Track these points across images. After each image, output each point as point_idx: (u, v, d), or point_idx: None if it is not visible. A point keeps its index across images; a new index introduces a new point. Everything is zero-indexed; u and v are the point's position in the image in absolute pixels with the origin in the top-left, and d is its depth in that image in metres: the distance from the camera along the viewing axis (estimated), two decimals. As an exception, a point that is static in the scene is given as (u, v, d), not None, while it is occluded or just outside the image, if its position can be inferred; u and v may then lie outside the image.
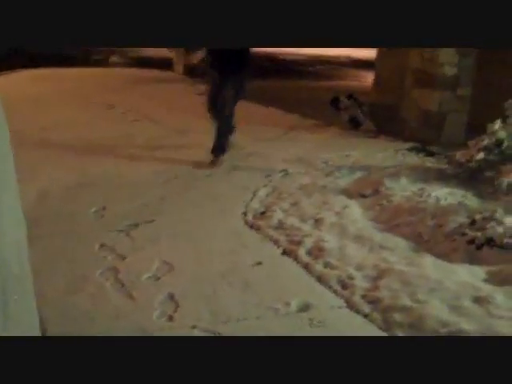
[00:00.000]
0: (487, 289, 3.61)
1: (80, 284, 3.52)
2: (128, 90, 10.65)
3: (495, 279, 3.74)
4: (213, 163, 6.18)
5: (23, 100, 8.74)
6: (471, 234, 4.22)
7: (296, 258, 4.03)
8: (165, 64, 14.28)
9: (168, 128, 7.79)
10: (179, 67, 13.43)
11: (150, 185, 5.45)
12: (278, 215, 4.76)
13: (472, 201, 4.97)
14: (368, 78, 12.56)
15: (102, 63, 13.29)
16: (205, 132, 7.75)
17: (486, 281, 3.74)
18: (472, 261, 4.01)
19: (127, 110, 8.70)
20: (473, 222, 4.35)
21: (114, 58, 15.80)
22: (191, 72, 13.01)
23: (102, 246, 4.08)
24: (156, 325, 3.15)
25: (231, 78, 5.97)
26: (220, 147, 6.26)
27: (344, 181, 5.75)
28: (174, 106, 9.41)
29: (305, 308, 3.41)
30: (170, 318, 3.22)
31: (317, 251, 4.10)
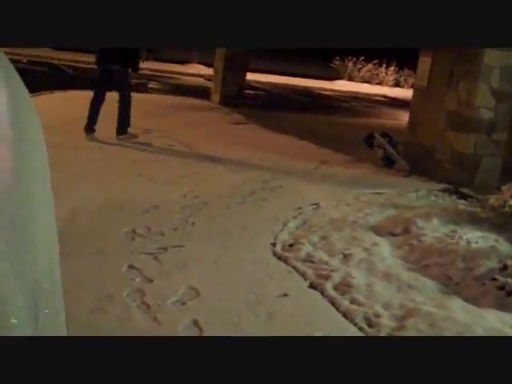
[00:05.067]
0: (516, 336, 3.55)
1: (106, 304, 3.53)
2: (166, 115, 10.80)
3: (525, 327, 3.67)
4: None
5: (61, 119, 8.89)
6: (502, 279, 4.15)
7: (323, 292, 4.01)
8: (201, 92, 14.48)
9: (201, 155, 7.85)
10: (216, 96, 13.60)
11: (181, 210, 5.48)
12: (307, 248, 4.75)
13: (504, 246, 4.90)
14: (403, 116, 12.58)
15: (141, 89, 13.48)
16: (237, 159, 7.81)
17: (515, 328, 3.68)
18: (501, 307, 3.95)
19: (163, 135, 8.81)
20: (504, 268, 4.29)
21: (153, 85, 16.07)
22: (227, 102, 13.17)
23: (129, 267, 4.10)
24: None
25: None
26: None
27: (374, 218, 5.73)
28: (208, 134, 9.50)
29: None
30: (194, 344, 3.21)
31: (344, 286, 4.07)
